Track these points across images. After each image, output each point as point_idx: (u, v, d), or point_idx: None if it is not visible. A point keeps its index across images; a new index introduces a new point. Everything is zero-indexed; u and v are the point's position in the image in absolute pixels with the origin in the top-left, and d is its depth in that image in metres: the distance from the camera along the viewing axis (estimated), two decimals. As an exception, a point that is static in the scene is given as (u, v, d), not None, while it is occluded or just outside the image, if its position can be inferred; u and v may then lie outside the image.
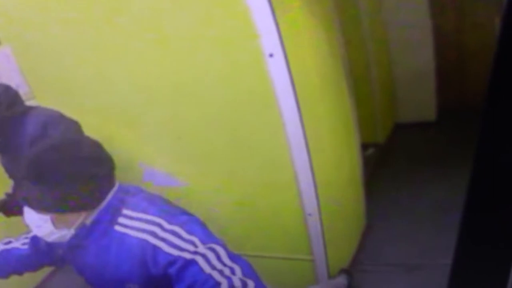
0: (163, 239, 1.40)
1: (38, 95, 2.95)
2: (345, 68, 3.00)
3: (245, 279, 1.32)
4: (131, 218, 1.49)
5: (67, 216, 1.47)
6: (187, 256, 1.35)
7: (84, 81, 2.75)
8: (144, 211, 1.50)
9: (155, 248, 1.40)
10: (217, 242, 1.43)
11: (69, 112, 2.54)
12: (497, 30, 0.60)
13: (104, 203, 1.52)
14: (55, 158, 1.41)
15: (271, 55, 2.19)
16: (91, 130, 2.66)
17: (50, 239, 1.52)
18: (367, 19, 4.49)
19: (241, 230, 2.88)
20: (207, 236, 1.44)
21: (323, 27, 2.69)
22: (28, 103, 2.63)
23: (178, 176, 2.87)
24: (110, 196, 1.53)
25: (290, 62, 2.20)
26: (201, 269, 1.33)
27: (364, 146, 3.75)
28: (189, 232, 1.42)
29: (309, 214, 2.56)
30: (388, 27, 4.97)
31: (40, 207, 1.44)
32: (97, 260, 1.52)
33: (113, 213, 1.51)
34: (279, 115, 2.33)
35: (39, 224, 1.48)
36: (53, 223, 1.47)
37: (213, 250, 1.38)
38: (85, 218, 1.50)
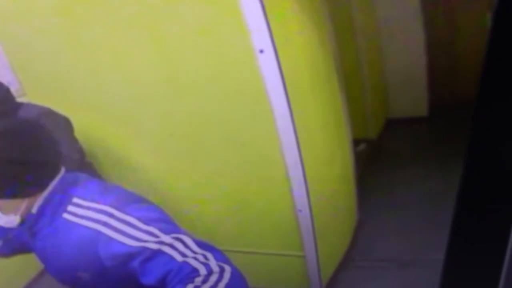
0: (117, 230, 1.35)
1: (29, 92, 2.93)
2: (336, 63, 3.00)
3: (221, 264, 1.31)
4: (81, 206, 1.45)
5: (10, 203, 1.43)
6: (152, 246, 1.30)
7: (76, 78, 2.73)
8: (95, 200, 1.45)
9: (109, 239, 1.35)
10: (181, 231, 1.38)
11: (61, 109, 2.52)
12: (488, 25, 0.59)
13: (48, 191, 1.47)
14: None
15: (261, 51, 2.18)
16: (82, 127, 2.66)
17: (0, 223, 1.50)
18: (359, 15, 4.50)
19: (233, 226, 2.88)
20: (168, 225, 1.40)
21: (314, 23, 2.68)
22: (19, 100, 2.62)
23: (169, 173, 2.86)
24: (54, 183, 1.48)
25: (281, 58, 2.19)
26: (172, 258, 1.29)
27: (356, 142, 3.75)
28: (147, 222, 1.37)
29: (300, 210, 2.56)
30: (379, 22, 4.97)
31: None
32: (49, 247, 1.50)
33: (60, 201, 1.47)
34: (270, 111, 2.32)
35: None
36: (0, 208, 1.45)
37: (179, 239, 1.34)
38: (30, 205, 1.46)
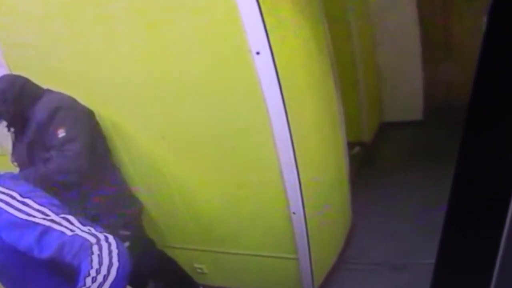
0: (17, 209, 1.47)
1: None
2: (332, 66, 3.00)
3: (104, 234, 1.46)
4: None
5: None
6: (44, 223, 1.44)
7: (69, 78, 2.72)
8: (4, 186, 1.55)
9: (3, 212, 1.47)
10: (68, 212, 1.52)
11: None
12: (483, 29, 0.59)
13: None
14: None
15: (257, 53, 2.18)
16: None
17: None
18: (354, 19, 4.50)
19: (227, 228, 2.88)
20: (58, 209, 1.52)
21: (310, 25, 2.68)
22: None
23: (161, 176, 2.86)
24: None
25: (277, 60, 2.19)
26: (62, 233, 1.43)
27: (350, 145, 3.76)
28: (41, 203, 1.50)
29: (294, 213, 2.56)
30: (375, 26, 4.97)
31: None
32: None
33: None
34: (265, 113, 2.32)
35: None
36: None
37: (66, 218, 1.48)
38: None
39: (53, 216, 1.47)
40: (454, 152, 0.67)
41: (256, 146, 2.47)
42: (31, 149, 2.49)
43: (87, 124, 2.52)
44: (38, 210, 1.48)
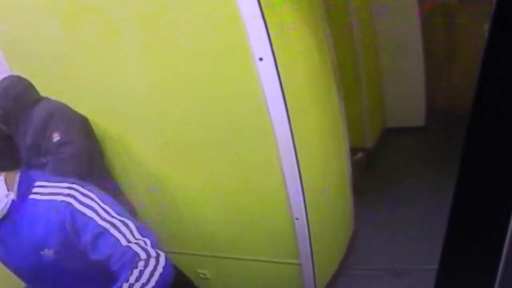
0: (82, 203, 1.48)
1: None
2: (335, 72, 3.01)
3: (157, 250, 1.49)
4: (45, 186, 1.55)
5: (12, 175, 1.55)
6: (102, 224, 1.46)
7: (71, 83, 2.73)
8: (59, 181, 1.57)
9: (74, 210, 1.47)
10: (128, 217, 1.54)
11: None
12: (486, 36, 0.60)
13: (20, 170, 1.58)
14: None
15: (260, 59, 2.18)
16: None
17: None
18: (357, 25, 4.50)
19: (230, 233, 2.88)
20: (119, 208, 1.55)
21: (313, 31, 2.69)
22: None
23: (165, 181, 2.86)
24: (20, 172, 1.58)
25: (280, 66, 2.20)
26: (117, 241, 1.45)
27: (353, 151, 3.75)
28: (104, 201, 1.52)
29: (297, 218, 2.56)
30: (378, 32, 4.98)
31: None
32: (10, 236, 1.55)
33: (27, 183, 1.56)
34: (268, 119, 2.32)
35: None
36: (6, 184, 1.53)
37: (125, 224, 1.49)
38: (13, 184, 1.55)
39: (114, 216, 1.49)
40: (457, 157, 0.68)
41: (259, 152, 2.48)
42: (29, 154, 2.51)
43: (81, 128, 2.57)
44: (103, 209, 1.49)
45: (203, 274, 3.24)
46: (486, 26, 0.60)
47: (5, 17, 2.73)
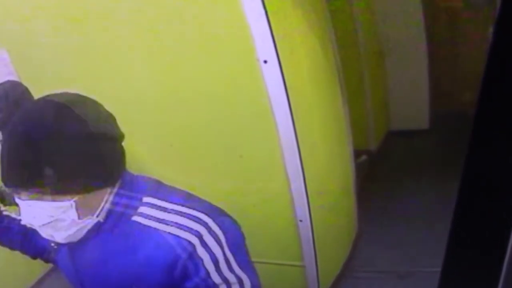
0: (208, 249, 1.12)
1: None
2: (339, 75, 3.01)
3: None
4: (157, 207, 1.18)
5: (92, 198, 1.13)
6: (215, 279, 1.12)
7: (79, 84, 2.73)
8: (175, 201, 1.20)
9: (193, 253, 1.10)
10: (249, 270, 1.22)
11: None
12: (490, 38, 0.60)
13: (119, 182, 1.20)
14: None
15: (265, 62, 2.18)
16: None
17: (59, 238, 1.15)
18: (362, 28, 4.51)
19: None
20: (243, 258, 1.22)
21: (317, 34, 2.69)
22: None
23: (169, 182, 2.86)
24: (123, 178, 1.22)
25: (284, 68, 2.20)
26: (206, 277, 1.12)
27: (357, 153, 3.75)
28: (231, 246, 1.16)
29: (301, 220, 2.56)
30: (382, 35, 4.98)
31: (69, 187, 1.08)
32: (99, 257, 1.20)
33: (129, 198, 1.19)
34: (272, 121, 2.32)
35: (54, 215, 1.09)
36: (77, 210, 1.09)
37: (240, 283, 1.16)
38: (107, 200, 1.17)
39: (234, 269, 1.14)
40: (460, 161, 0.68)
41: (263, 154, 2.48)
42: None
43: None
44: (224, 257, 1.13)
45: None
46: (491, 30, 0.60)
47: (12, 20, 2.74)
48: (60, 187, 1.06)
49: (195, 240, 1.10)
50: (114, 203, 1.17)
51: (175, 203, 1.19)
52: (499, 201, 0.68)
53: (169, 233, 1.11)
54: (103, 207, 1.15)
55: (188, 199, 1.25)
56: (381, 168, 4.68)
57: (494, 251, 0.72)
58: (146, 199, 1.20)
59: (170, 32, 2.34)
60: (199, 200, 1.30)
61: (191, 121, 2.56)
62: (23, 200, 1.09)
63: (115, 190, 1.18)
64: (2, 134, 1.17)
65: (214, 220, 1.16)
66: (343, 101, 3.09)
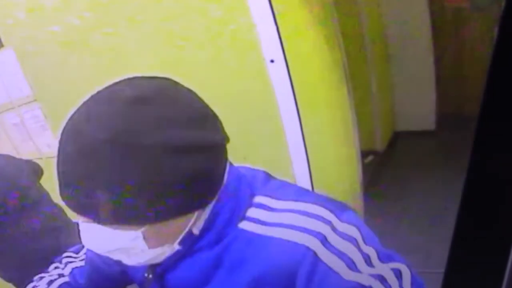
0: (336, 252, 0.85)
1: (39, 98, 2.93)
2: (346, 75, 3.00)
3: None
4: (268, 208, 0.94)
5: (168, 225, 0.86)
6: (364, 282, 0.82)
7: (85, 86, 2.74)
8: (288, 198, 0.95)
9: (327, 269, 0.83)
10: (396, 257, 0.96)
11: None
12: (495, 39, 0.60)
13: (219, 194, 0.92)
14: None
15: (272, 61, 2.18)
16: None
17: (134, 262, 0.93)
18: (368, 30, 4.51)
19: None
20: (380, 246, 0.95)
21: (324, 34, 2.69)
22: (30, 105, 2.79)
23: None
24: (225, 181, 0.94)
25: (291, 68, 2.19)
26: None
27: (363, 154, 3.75)
28: (367, 239, 0.91)
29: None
30: (388, 36, 4.98)
31: (131, 217, 0.81)
32: (196, 277, 0.96)
33: (236, 205, 0.94)
34: (278, 122, 2.32)
35: (120, 245, 0.86)
36: (146, 239, 0.85)
37: (399, 272, 0.91)
38: (194, 223, 0.91)
39: (379, 268, 0.87)
40: (466, 161, 0.68)
41: (269, 156, 2.46)
42: None
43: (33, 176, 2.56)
44: (364, 255, 0.87)
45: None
46: (496, 29, 0.60)
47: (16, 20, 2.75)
48: (117, 216, 0.81)
49: (316, 244, 0.85)
50: (214, 213, 0.92)
51: (288, 200, 0.95)
52: (504, 202, 0.68)
53: (286, 239, 0.87)
54: (187, 232, 0.91)
55: (303, 194, 1.02)
56: (388, 168, 4.67)
57: (498, 253, 0.71)
58: (257, 199, 0.96)
59: (177, 33, 2.34)
60: (315, 194, 1.10)
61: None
62: (80, 222, 0.88)
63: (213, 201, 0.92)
64: (60, 134, 0.87)
65: (338, 216, 0.90)
66: (350, 101, 3.08)
